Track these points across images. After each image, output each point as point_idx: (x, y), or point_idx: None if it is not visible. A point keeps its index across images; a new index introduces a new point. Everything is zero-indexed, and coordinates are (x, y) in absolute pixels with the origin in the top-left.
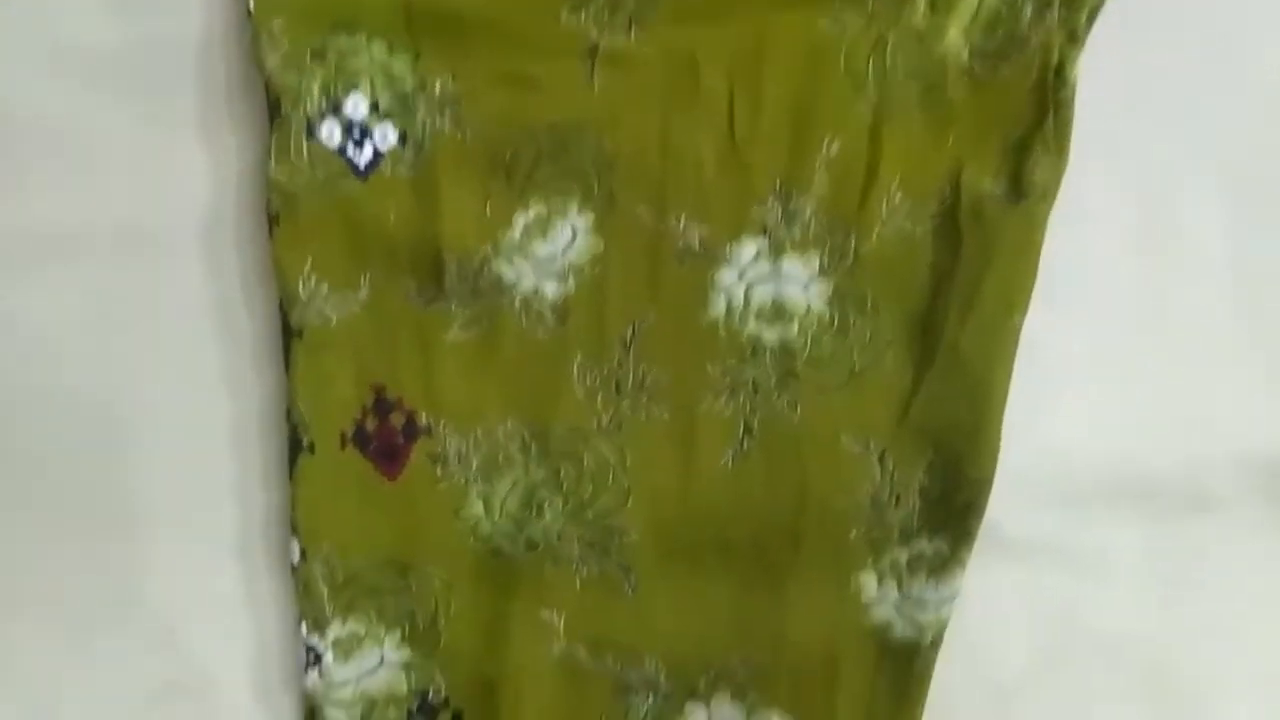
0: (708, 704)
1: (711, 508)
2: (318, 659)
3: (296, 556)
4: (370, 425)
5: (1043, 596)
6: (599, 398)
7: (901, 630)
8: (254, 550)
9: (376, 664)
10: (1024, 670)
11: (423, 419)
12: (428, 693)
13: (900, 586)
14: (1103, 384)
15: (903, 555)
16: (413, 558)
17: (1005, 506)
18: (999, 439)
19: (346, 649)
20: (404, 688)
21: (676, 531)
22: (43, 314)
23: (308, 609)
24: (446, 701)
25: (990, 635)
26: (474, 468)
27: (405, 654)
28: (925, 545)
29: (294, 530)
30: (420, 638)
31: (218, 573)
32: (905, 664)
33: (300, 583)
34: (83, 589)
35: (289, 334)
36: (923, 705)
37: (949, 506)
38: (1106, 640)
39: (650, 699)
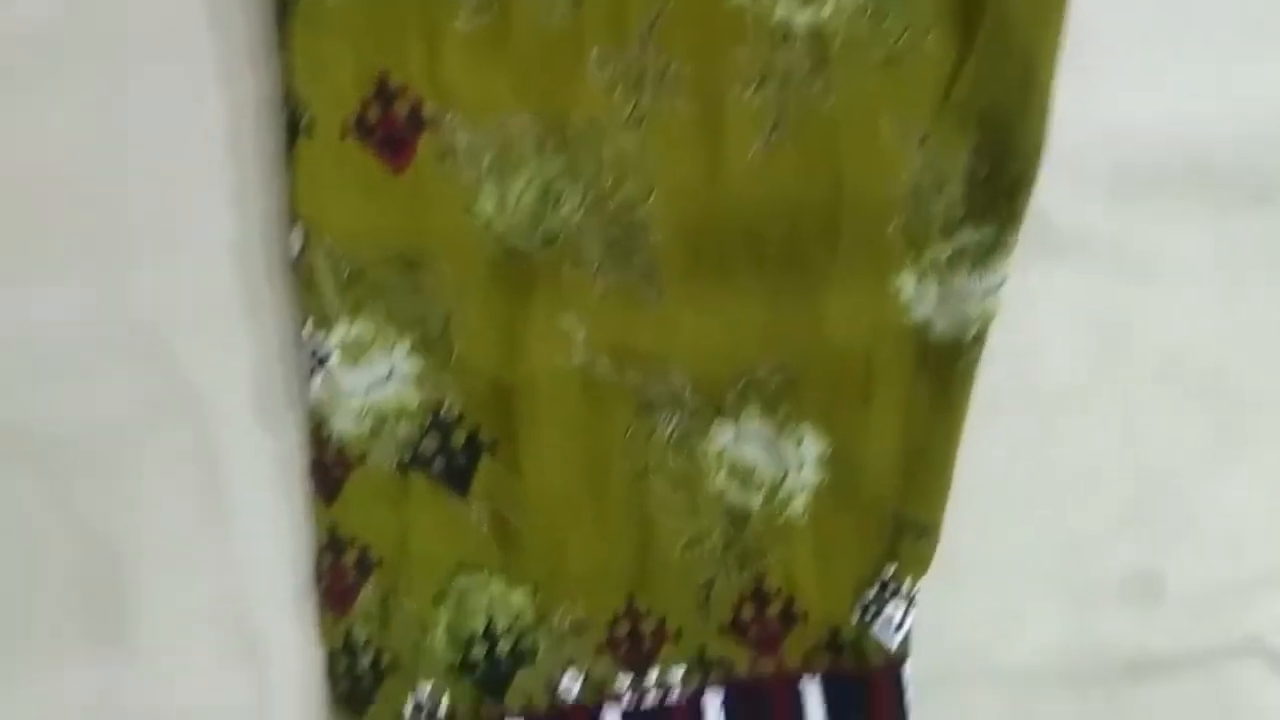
0: (736, 421)
1: (740, 204)
2: (323, 363)
3: (297, 247)
4: (373, 115)
5: (1093, 298)
6: (618, 90)
7: (943, 327)
8: (253, 255)
9: (386, 374)
10: (1071, 380)
11: (429, 109)
12: (441, 408)
13: (941, 283)
14: (1160, 61)
15: (943, 251)
16: (422, 254)
17: (1054, 195)
18: (1048, 109)
19: (354, 353)
20: (415, 402)
21: (703, 232)
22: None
23: (312, 305)
24: (460, 418)
25: (1036, 341)
26: (486, 163)
27: (417, 365)
28: (969, 235)
29: (294, 219)
30: (432, 346)
31: (213, 283)
32: (946, 364)
33: (303, 276)
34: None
35: (284, 10)
36: (963, 414)
37: (995, 186)
38: (1160, 347)
39: (675, 417)
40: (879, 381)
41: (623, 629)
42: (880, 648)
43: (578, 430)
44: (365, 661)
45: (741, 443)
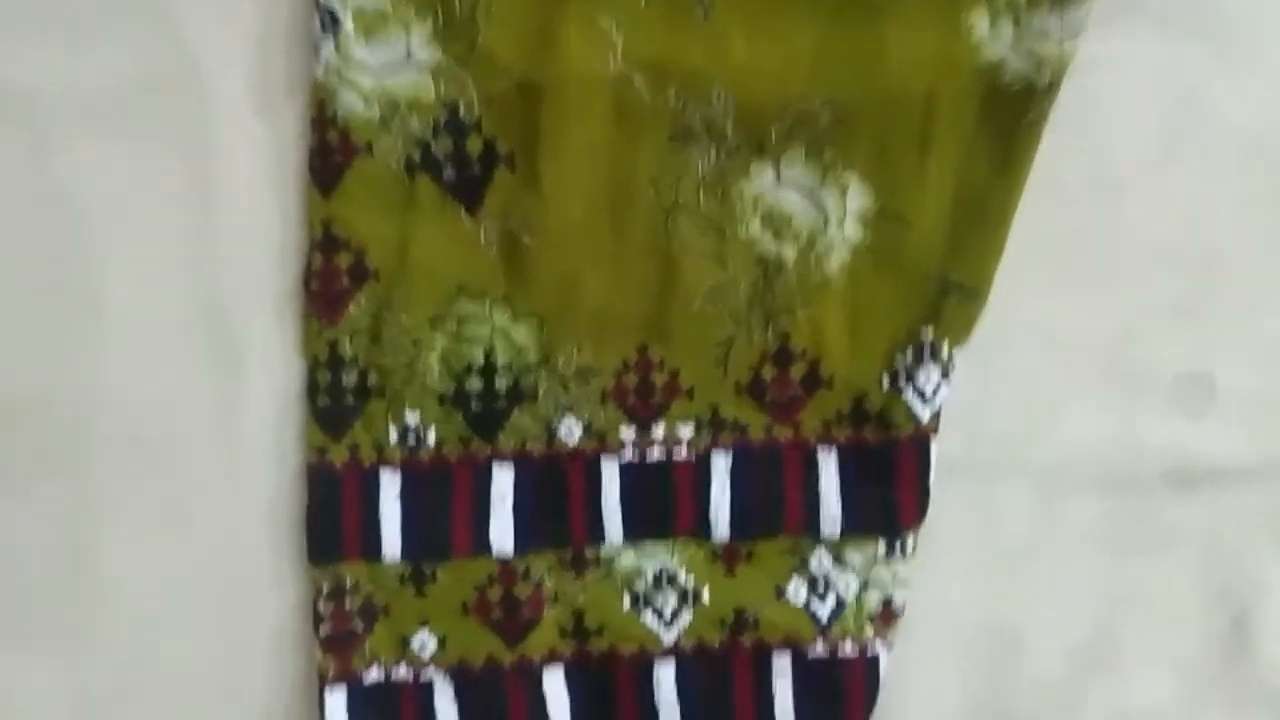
0: (777, 164)
1: None
2: (335, 23)
3: None
4: None
5: (1173, 72)
6: None
7: (1015, 71)
8: None
9: (402, 57)
10: (1139, 158)
11: None
12: (459, 106)
13: (1018, 22)
14: None
15: None
16: None
17: None
18: None
19: (369, 25)
20: (432, 95)
21: None
22: None
23: None
24: (479, 125)
25: (1108, 115)
26: None
27: (435, 55)
28: None
29: None
30: (455, 34)
31: None
32: (1014, 115)
33: None
34: None
35: None
36: (1025, 173)
37: None
38: (1240, 131)
39: (712, 152)
40: (938, 128)
41: (632, 378)
42: (909, 415)
43: (605, 152)
44: (350, 379)
45: (781, 188)
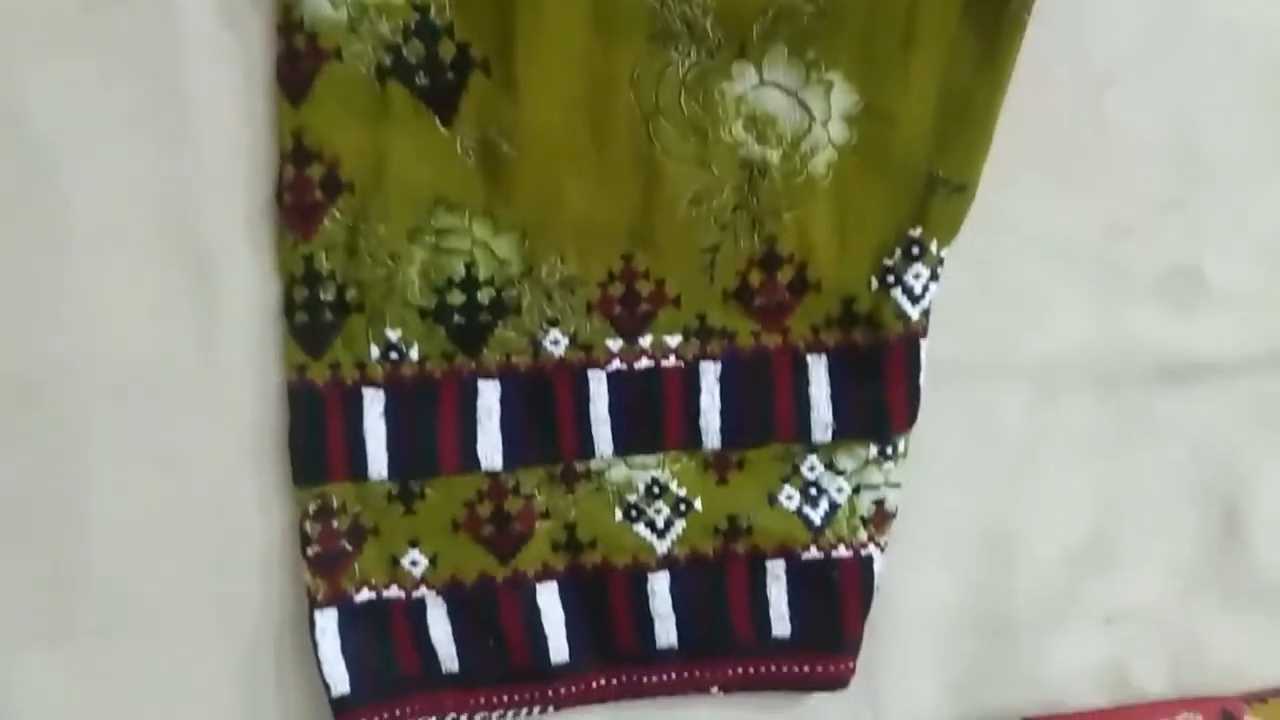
0: (759, 64)
1: None
2: None
3: None
4: None
5: None
6: None
7: None
8: None
9: None
10: (1123, 53)
11: None
12: (429, 8)
13: None
14: None
15: None
16: None
17: None
18: None
19: None
20: None
21: None
22: None
23: None
24: (451, 29)
25: (1093, 7)
26: None
27: None
28: None
29: None
30: None
31: None
32: (997, 7)
33: None
34: None
35: None
36: (1010, 67)
37: None
38: (1224, 24)
39: (692, 52)
40: (922, 23)
41: (617, 288)
42: (899, 315)
43: (583, 54)
44: (327, 294)
45: (764, 88)
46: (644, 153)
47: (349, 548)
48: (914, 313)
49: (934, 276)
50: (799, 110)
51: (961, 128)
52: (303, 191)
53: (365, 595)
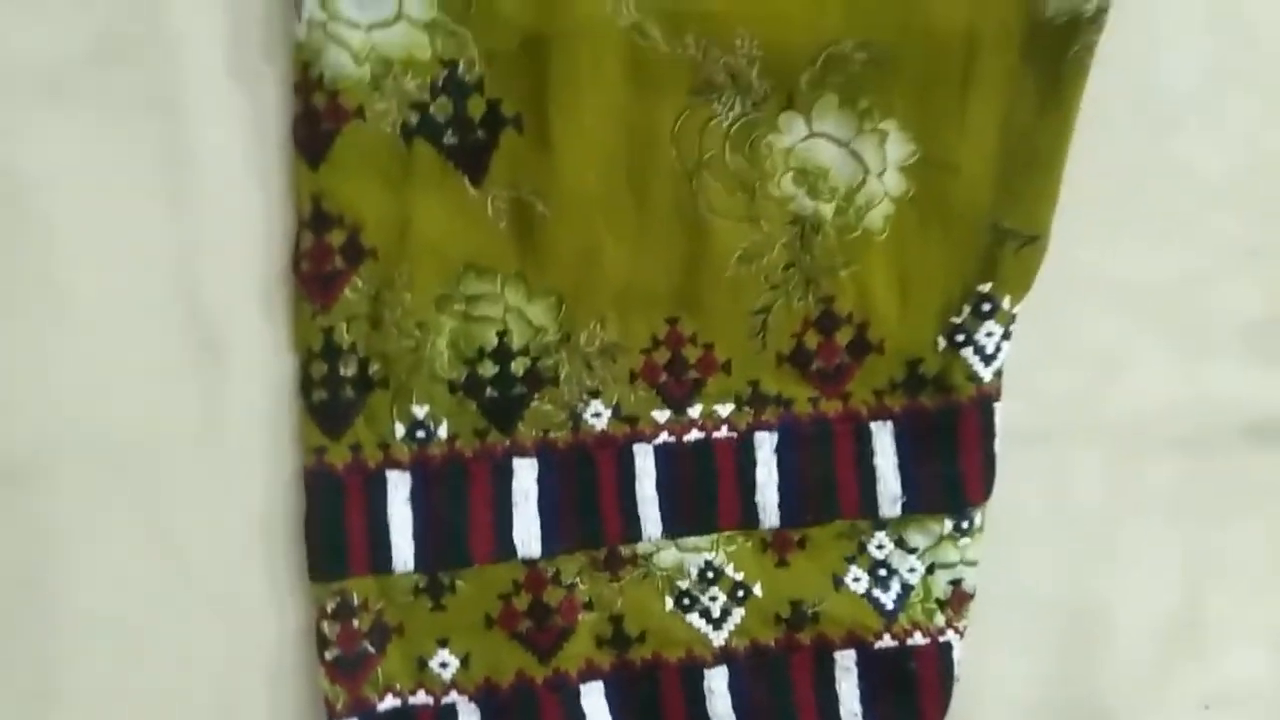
0: (808, 115)
1: None
2: None
3: None
4: None
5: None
6: None
7: (1057, 3)
8: None
9: (394, 13)
10: (1193, 93)
11: None
12: (458, 65)
13: None
14: None
15: None
16: None
17: None
18: None
19: None
20: (428, 52)
21: None
22: None
23: None
24: (481, 85)
25: (1158, 46)
26: None
27: (431, 10)
28: None
29: None
30: None
31: None
32: (1058, 50)
33: None
34: None
35: None
36: (1074, 111)
37: None
38: None
39: (737, 103)
40: (980, 67)
41: (662, 354)
42: (971, 376)
43: (620, 110)
44: (348, 369)
45: (813, 139)
46: (687, 210)
47: (371, 650)
48: (987, 374)
49: (1006, 335)
50: (852, 162)
51: (1028, 176)
52: (322, 259)
53: (390, 703)
